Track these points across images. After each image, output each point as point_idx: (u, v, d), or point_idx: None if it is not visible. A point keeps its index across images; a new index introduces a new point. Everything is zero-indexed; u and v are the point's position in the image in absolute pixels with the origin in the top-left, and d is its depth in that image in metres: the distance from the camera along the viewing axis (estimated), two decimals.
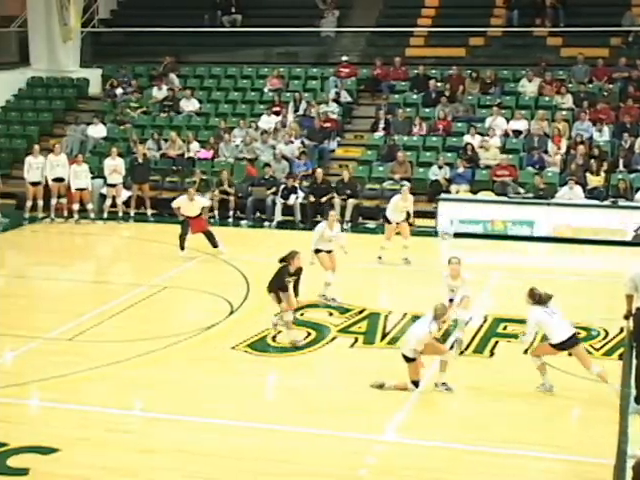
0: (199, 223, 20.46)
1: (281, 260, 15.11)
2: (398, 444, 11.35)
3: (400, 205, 19.83)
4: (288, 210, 23.92)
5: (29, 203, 24.39)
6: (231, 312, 16.54)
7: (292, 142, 26.28)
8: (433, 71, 28.91)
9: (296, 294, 15.47)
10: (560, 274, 19.28)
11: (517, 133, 26.21)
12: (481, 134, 25.82)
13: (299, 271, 15.34)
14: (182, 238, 20.31)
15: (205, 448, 11.06)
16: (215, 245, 20.45)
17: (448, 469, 10.66)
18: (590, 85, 27.62)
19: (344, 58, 29.76)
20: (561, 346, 12.58)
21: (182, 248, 20.33)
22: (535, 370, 12.85)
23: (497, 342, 15.01)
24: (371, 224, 23.88)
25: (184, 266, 19.76)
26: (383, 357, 14.21)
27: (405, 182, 23.44)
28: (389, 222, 19.87)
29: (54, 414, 12.20)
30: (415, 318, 15.73)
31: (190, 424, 11.76)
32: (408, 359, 12.73)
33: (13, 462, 10.67)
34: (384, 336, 15.28)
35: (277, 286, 14.93)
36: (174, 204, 20.68)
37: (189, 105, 28.97)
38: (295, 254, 15.14)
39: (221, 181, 24.78)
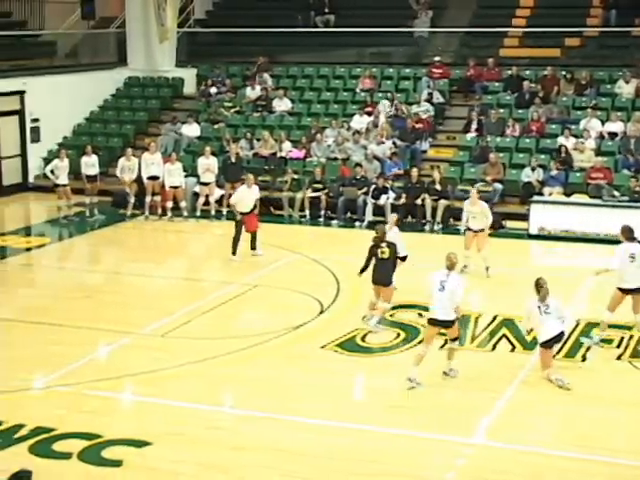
0: (252, 220, 20.41)
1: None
2: (487, 447, 11.32)
3: (470, 210, 19.12)
4: (379, 210, 23.91)
5: (132, 199, 24.88)
6: (321, 311, 16.63)
7: (384, 142, 26.26)
8: (527, 72, 28.60)
9: None
10: None
11: (612, 135, 25.77)
12: (575, 136, 25.46)
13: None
14: (236, 241, 20.17)
15: (297, 447, 11.16)
16: (254, 247, 20.47)
17: (537, 475, 10.57)
18: None
19: (437, 58, 29.61)
20: (547, 344, 13.12)
21: (234, 253, 20.20)
22: (630, 377, 12.70)
23: (589, 347, 14.81)
24: (462, 226, 23.70)
25: (275, 265, 19.91)
26: (472, 359, 14.14)
27: (475, 186, 22.71)
28: (468, 229, 19.34)
29: (147, 408, 12.45)
30: (506, 321, 15.77)
31: (280, 422, 11.89)
32: (450, 322, 13.12)
33: (107, 454, 10.92)
34: (474, 338, 15.21)
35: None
36: (232, 200, 20.73)
37: (282, 105, 29.18)
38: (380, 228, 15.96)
39: (314, 179, 24.91)
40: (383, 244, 15.49)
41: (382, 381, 13.47)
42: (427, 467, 10.73)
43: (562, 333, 13.28)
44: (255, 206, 20.45)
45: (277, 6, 33.25)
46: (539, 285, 13.17)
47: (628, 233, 14.70)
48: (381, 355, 14.54)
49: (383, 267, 15.45)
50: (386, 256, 15.42)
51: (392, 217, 17.76)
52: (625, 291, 14.52)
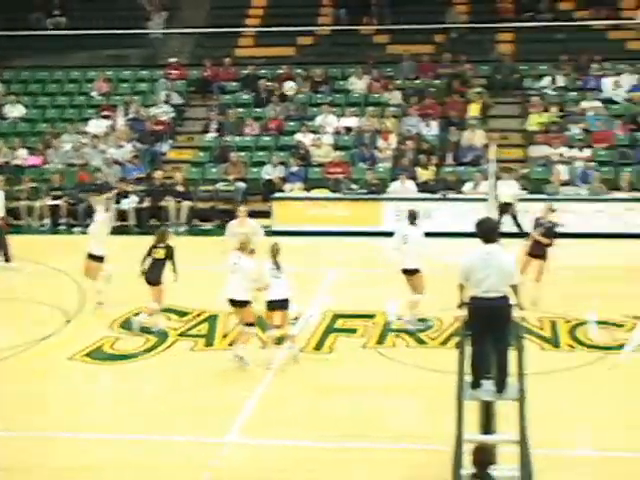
0: None
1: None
2: (241, 445, 11.30)
3: (236, 231, 16.92)
4: (122, 215, 23.50)
5: None
6: (67, 321, 16.13)
7: (123, 146, 25.85)
8: (263, 71, 28.94)
9: None
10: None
11: (348, 130, 26.54)
12: (313, 132, 26.03)
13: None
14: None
15: (59, 463, 10.74)
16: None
17: (295, 467, 10.67)
18: (417, 81, 28.25)
19: (173, 60, 29.47)
20: (270, 305, 13.82)
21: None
22: (380, 365, 13.17)
23: (336, 337, 15.15)
24: (207, 226, 23.74)
25: (15, 277, 19.14)
26: (224, 358, 14.11)
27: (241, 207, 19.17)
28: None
29: None
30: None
31: (34, 439, 11.41)
32: (243, 303, 13.62)
33: None
34: (225, 336, 15.19)
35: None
36: None
37: (14, 111, 28.13)
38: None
39: (52, 186, 24.19)
40: (161, 245, 15.51)
41: (133, 387, 13.22)
42: (181, 470, 10.60)
43: (287, 300, 13.80)
44: None
45: (4, 7, 31.94)
46: (274, 250, 13.81)
47: (410, 217, 15.61)
48: (132, 361, 14.25)
49: (156, 267, 15.44)
50: (160, 256, 15.43)
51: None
52: (403, 272, 15.30)
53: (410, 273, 15.26)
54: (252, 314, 13.79)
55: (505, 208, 21.60)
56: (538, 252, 16.34)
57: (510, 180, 22.50)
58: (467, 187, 23.36)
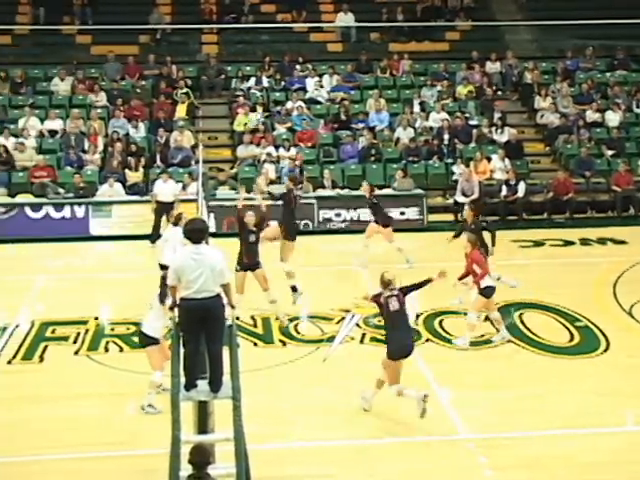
0: None
1: None
2: None
3: None
4: None
5: None
6: None
7: None
8: None
9: None
10: (107, 272, 19.26)
11: (53, 133, 25.77)
12: (15, 135, 25.08)
13: None
14: None
15: None
16: None
17: None
18: (123, 82, 27.88)
19: None
20: None
21: None
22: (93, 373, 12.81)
23: (47, 346, 14.65)
24: None
25: None
26: None
27: None
28: None
29: None
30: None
31: None
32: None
33: None
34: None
35: None
36: None
37: None
38: None
39: None
40: None
41: None
42: None
43: None
44: None
45: None
46: None
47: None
48: None
49: None
50: None
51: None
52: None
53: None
54: None
55: (165, 207, 21.38)
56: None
57: (169, 179, 22.39)
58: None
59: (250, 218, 15.39)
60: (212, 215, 21.30)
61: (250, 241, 15.38)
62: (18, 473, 10.53)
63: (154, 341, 11.95)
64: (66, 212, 22.51)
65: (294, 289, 16.30)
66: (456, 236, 17.13)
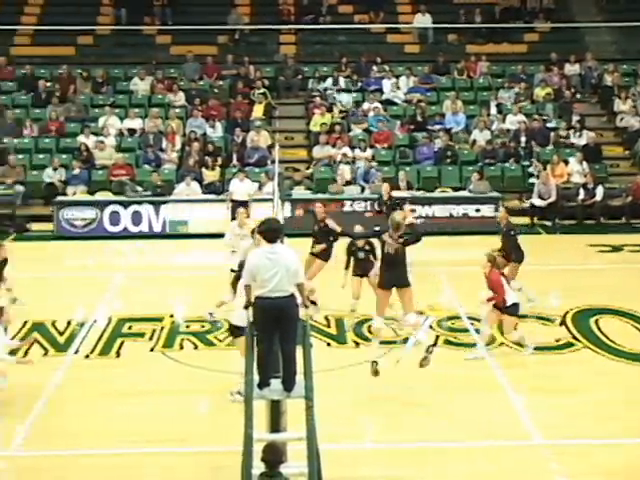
0: None
1: None
2: (26, 457, 10.90)
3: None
4: None
5: None
6: None
7: None
8: (42, 71, 28.14)
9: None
10: (183, 271, 19.48)
11: (132, 132, 26.14)
12: (95, 134, 25.49)
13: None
14: None
15: None
16: None
17: (84, 476, 10.39)
18: (201, 82, 28.17)
19: None
20: None
21: None
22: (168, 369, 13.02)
23: (123, 342, 14.87)
24: None
25: None
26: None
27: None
28: None
29: None
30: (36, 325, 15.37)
31: None
32: None
33: None
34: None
35: None
36: None
37: None
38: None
39: None
40: None
41: None
42: None
43: None
44: None
45: None
46: None
47: None
48: None
49: None
50: None
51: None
52: None
53: None
54: None
55: (239, 206, 21.53)
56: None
57: (245, 179, 22.63)
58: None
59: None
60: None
61: (359, 257, 15.52)
62: (99, 465, 10.71)
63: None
64: (144, 210, 22.81)
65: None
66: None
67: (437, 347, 13.90)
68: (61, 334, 15.08)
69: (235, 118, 26.25)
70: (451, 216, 23.00)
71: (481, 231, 21.26)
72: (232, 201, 22.01)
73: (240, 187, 22.27)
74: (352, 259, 15.54)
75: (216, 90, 27.68)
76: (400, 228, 12.49)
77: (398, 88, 27.73)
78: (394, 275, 12.60)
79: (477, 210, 22.82)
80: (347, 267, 15.57)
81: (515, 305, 14.05)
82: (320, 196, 22.60)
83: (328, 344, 14.83)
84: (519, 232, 16.80)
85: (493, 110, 26.89)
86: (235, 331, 12.14)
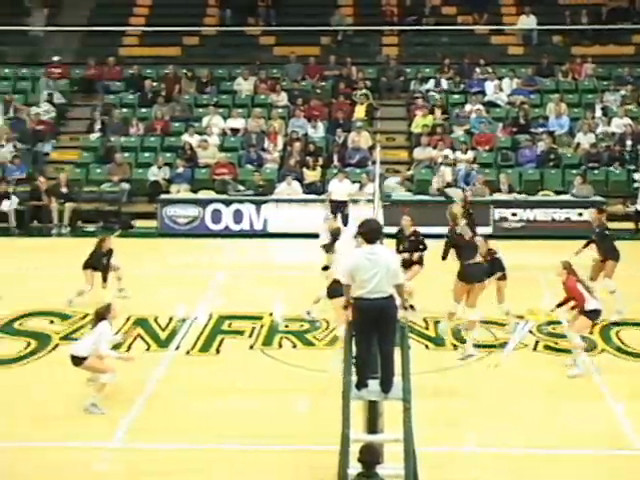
0: None
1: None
2: (129, 449, 11.13)
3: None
4: (2, 216, 22.94)
5: None
6: None
7: (3, 146, 25.24)
8: (148, 71, 28.68)
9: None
10: (283, 270, 19.63)
11: (235, 131, 26.46)
12: (199, 133, 25.86)
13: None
14: None
15: None
16: None
17: (188, 470, 10.57)
18: (303, 83, 28.35)
19: (55, 58, 28.92)
20: None
21: None
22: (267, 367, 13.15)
23: (223, 339, 15.07)
24: (90, 227, 23.37)
25: None
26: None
27: None
28: None
29: None
30: (140, 321, 15.68)
31: None
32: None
33: None
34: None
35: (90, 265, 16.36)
36: None
37: None
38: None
39: None
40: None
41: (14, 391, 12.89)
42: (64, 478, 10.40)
43: None
44: None
45: None
46: None
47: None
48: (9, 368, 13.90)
49: None
50: None
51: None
52: None
53: None
54: None
55: (339, 206, 21.83)
56: None
57: (345, 179, 22.71)
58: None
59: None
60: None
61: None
62: (199, 459, 10.87)
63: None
64: (245, 209, 23.06)
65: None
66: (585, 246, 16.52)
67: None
68: (163, 330, 15.36)
69: (337, 119, 26.35)
70: (553, 220, 22.81)
71: (583, 236, 20.71)
72: (331, 201, 22.15)
73: (339, 187, 22.40)
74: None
75: (318, 90, 27.83)
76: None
77: (501, 90, 27.47)
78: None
79: (579, 214, 22.51)
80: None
81: (596, 311, 13.52)
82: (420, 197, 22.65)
83: (426, 346, 14.80)
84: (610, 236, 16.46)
85: (598, 113, 26.46)
86: (330, 293, 13.36)
